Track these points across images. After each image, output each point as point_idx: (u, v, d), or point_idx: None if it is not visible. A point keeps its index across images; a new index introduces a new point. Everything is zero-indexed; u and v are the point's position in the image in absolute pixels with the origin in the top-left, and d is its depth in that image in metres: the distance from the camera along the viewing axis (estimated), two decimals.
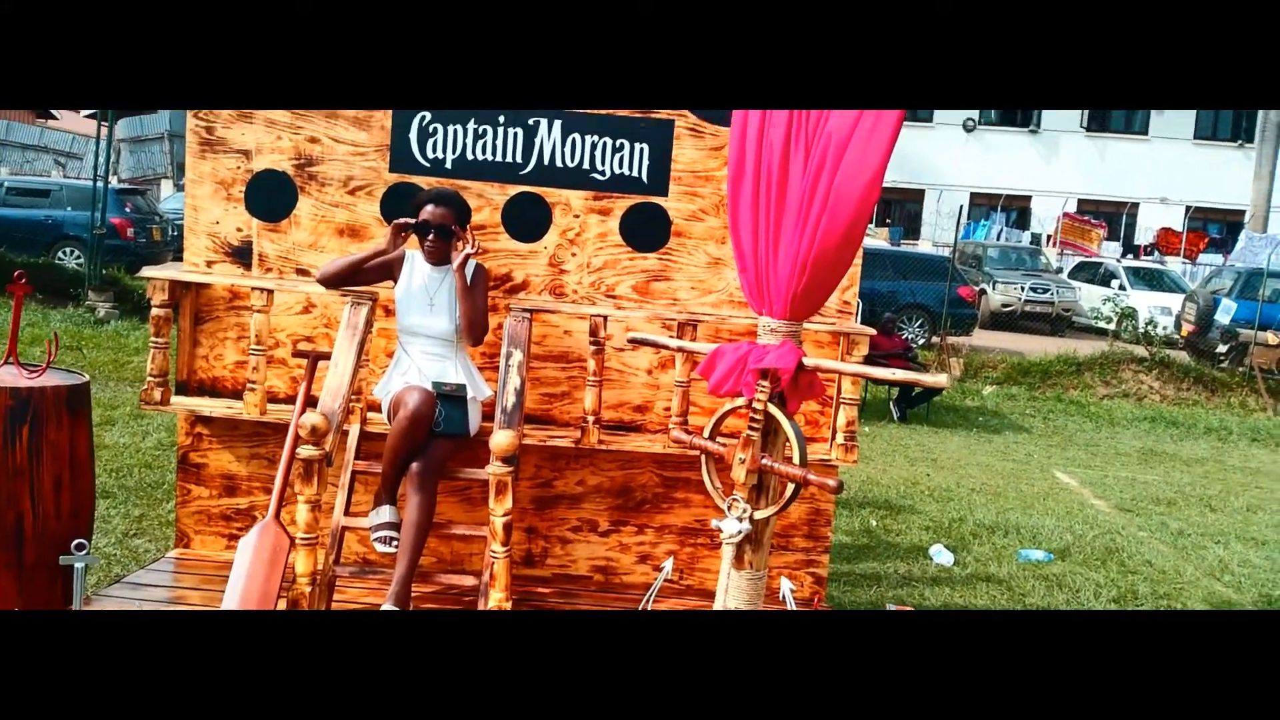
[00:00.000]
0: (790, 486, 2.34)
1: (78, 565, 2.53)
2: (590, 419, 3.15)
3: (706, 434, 2.64)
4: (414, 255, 3.14)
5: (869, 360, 3.16)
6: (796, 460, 2.34)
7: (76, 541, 2.56)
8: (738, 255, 2.56)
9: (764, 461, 2.37)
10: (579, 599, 3.32)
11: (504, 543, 2.83)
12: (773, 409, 2.36)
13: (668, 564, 2.73)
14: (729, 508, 2.43)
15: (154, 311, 3.17)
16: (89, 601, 2.91)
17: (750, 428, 2.37)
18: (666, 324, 3.25)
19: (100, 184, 11.24)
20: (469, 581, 3.01)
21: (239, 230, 3.38)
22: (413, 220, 3.01)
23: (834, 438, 3.24)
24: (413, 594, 2.91)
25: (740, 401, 2.50)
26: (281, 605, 2.82)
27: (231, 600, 2.75)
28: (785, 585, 2.65)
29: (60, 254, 13.17)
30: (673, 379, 3.30)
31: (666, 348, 2.87)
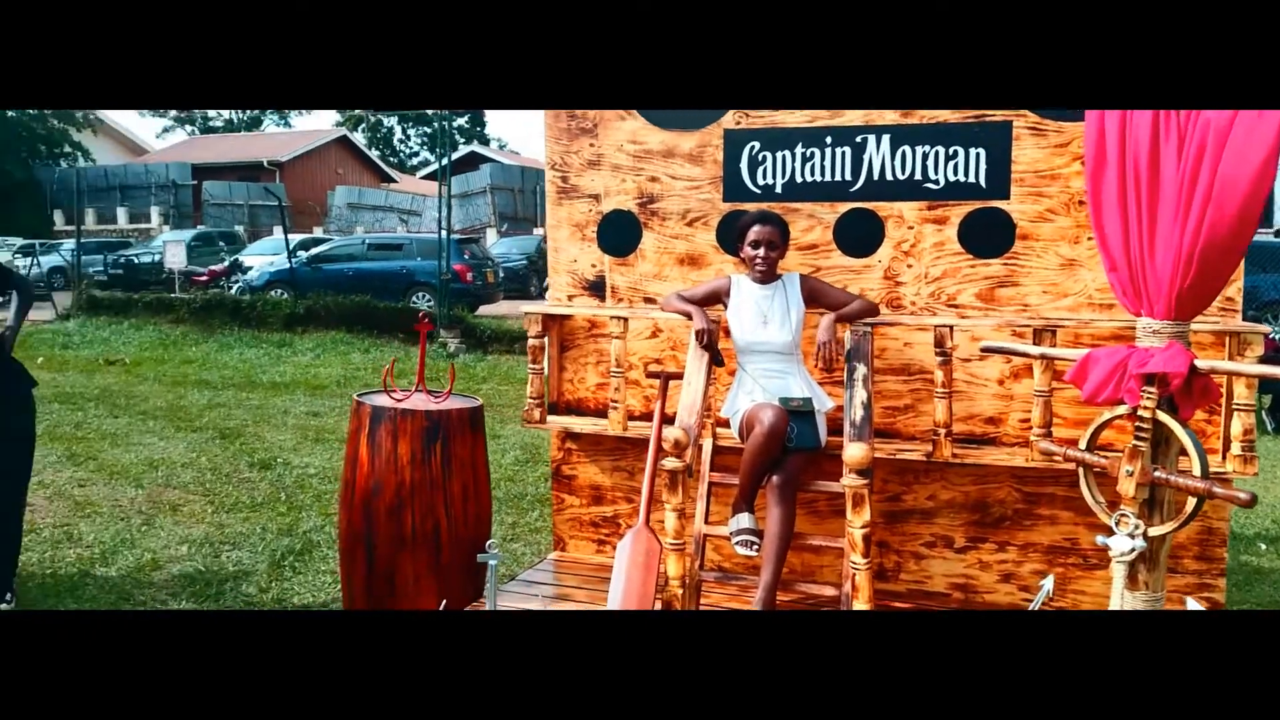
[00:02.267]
0: (1191, 501, 2.17)
1: (491, 562, 2.91)
2: (941, 432, 3.11)
3: (1083, 446, 2.51)
4: (739, 279, 3.28)
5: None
6: (1197, 471, 2.17)
7: (490, 541, 2.95)
8: (1104, 254, 2.43)
9: (1157, 474, 2.22)
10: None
11: (864, 554, 2.86)
12: (1165, 417, 2.21)
13: (1049, 581, 2.61)
14: (1117, 524, 2.30)
15: (530, 342, 3.59)
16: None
17: (1137, 438, 2.23)
18: (1017, 331, 3.13)
19: (445, 235, 12.79)
20: (829, 592, 3.07)
21: (593, 266, 3.73)
22: (717, 353, 3.22)
23: (1228, 448, 2.93)
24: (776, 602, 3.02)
25: (1121, 410, 2.36)
26: (657, 605, 3.05)
27: (615, 598, 3.02)
28: (1192, 606, 2.45)
29: (414, 298, 15.13)
30: (1027, 389, 3.17)
31: (1027, 355, 2.77)
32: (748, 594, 3.21)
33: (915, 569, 3.46)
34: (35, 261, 18.59)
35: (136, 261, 19.94)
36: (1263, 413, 7.91)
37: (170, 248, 17.99)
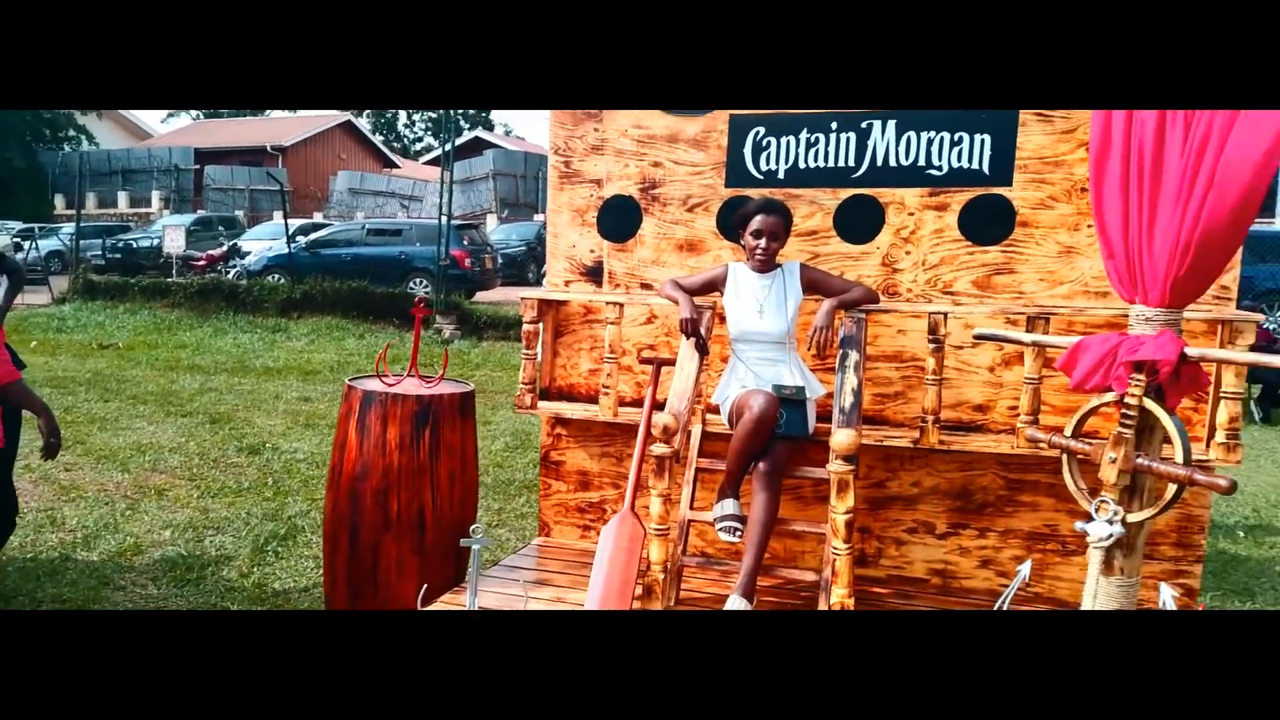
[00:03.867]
0: (1171, 487, 2.16)
1: (475, 547, 2.91)
2: (929, 418, 3.10)
3: (1068, 433, 2.50)
4: (736, 267, 3.26)
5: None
6: (1179, 459, 2.16)
7: (474, 526, 2.94)
8: (1103, 240, 2.42)
9: (1140, 461, 2.21)
10: (917, 601, 3.27)
11: (845, 540, 2.86)
12: (1151, 404, 2.20)
13: (1025, 566, 2.60)
14: (1096, 510, 2.29)
15: (525, 327, 3.58)
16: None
17: (1122, 425, 2.22)
18: (1011, 319, 3.12)
19: (445, 221, 12.76)
20: (809, 577, 3.08)
21: (592, 251, 3.72)
22: (701, 341, 3.20)
23: (1213, 435, 2.93)
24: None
25: (1109, 397, 2.35)
26: (638, 590, 3.05)
27: (596, 584, 3.02)
28: (1165, 592, 2.44)
29: (411, 284, 15.11)
30: (1017, 377, 3.16)
31: (1019, 343, 2.76)
32: (729, 579, 3.21)
33: (896, 554, 3.46)
34: (34, 246, 18.53)
35: (135, 246, 19.89)
36: (1251, 403, 7.92)
37: (169, 232, 17.96)
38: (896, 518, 3.45)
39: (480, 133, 35.49)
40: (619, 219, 3.65)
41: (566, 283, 3.76)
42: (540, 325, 3.61)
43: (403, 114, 50.50)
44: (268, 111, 46.43)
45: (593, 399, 3.69)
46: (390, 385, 3.47)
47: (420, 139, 50.92)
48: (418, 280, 15.11)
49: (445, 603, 3.09)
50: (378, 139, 38.74)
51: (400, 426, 3.34)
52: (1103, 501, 2.27)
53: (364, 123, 38.24)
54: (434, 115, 48.00)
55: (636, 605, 3.02)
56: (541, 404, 3.69)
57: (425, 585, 3.15)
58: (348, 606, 3.34)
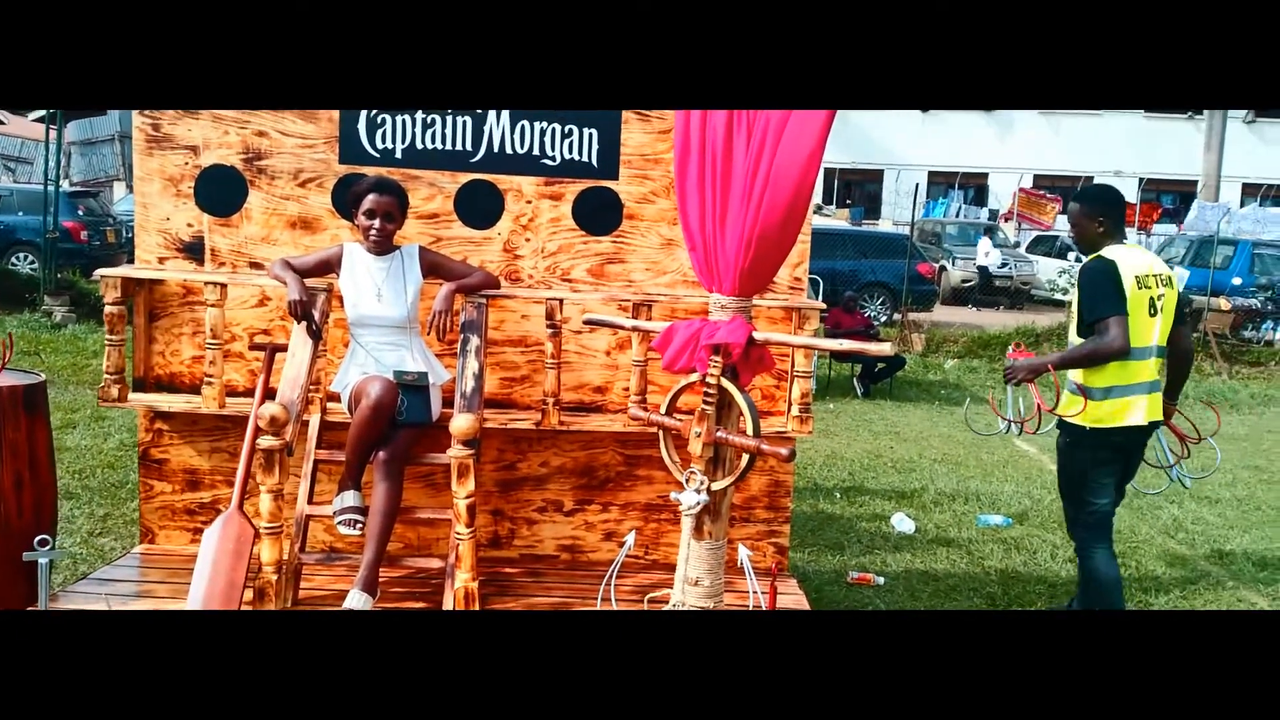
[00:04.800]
0: (745, 457, 2.40)
1: (42, 561, 2.53)
2: (550, 401, 3.20)
3: (663, 410, 2.69)
4: (353, 248, 3.14)
5: (831, 338, 3.23)
6: (750, 431, 2.40)
7: (39, 538, 2.56)
8: (686, 235, 2.61)
9: (719, 434, 2.43)
10: (546, 577, 3.37)
11: (468, 524, 2.86)
12: (725, 383, 2.42)
13: (629, 538, 2.78)
14: (687, 480, 2.49)
15: (108, 309, 3.17)
16: (55, 598, 2.91)
17: (705, 402, 2.43)
18: (622, 305, 3.29)
19: (51, 188, 11.05)
20: (436, 564, 3.05)
21: (190, 226, 3.37)
22: (314, 326, 3.03)
23: (789, 410, 3.31)
24: (380, 579, 2.94)
25: (694, 377, 2.56)
26: (248, 595, 2.84)
27: (197, 591, 2.76)
28: (743, 553, 2.72)
29: (13, 259, 12.95)
30: (630, 359, 3.35)
31: (622, 328, 2.92)
32: (355, 574, 3.09)
33: (528, 534, 3.54)
34: None
35: None
36: (854, 380, 9.17)
37: None
38: (527, 498, 3.52)
39: None
40: (220, 191, 3.34)
41: (161, 260, 3.38)
42: (125, 307, 3.21)
43: None
44: None
45: (197, 389, 3.36)
46: None
47: None
48: (22, 255, 12.98)
49: None
50: None
51: None
52: (691, 472, 2.47)
53: None
54: None
55: (248, 610, 2.81)
56: (133, 396, 3.30)
57: None
58: None
